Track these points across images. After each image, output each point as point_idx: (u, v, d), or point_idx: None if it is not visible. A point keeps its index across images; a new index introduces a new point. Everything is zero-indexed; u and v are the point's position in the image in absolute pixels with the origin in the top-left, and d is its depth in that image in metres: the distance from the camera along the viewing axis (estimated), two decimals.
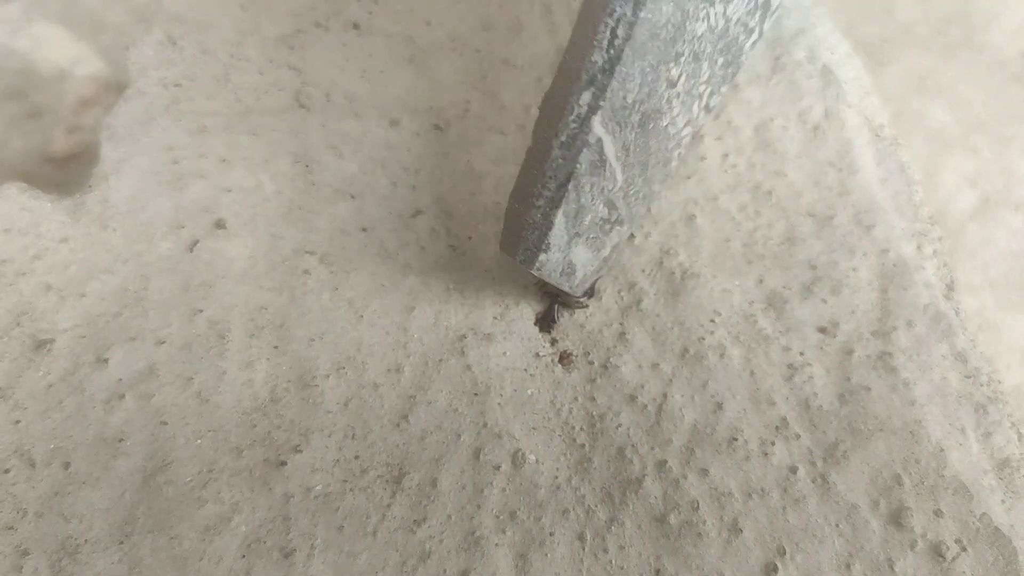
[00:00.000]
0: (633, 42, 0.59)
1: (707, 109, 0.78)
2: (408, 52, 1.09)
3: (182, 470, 0.71)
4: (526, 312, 0.84)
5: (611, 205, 0.74)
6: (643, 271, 0.86)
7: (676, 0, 0.61)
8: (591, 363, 0.80)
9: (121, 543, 0.67)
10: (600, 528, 0.69)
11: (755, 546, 0.68)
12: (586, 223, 0.73)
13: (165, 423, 0.73)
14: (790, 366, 0.78)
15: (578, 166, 0.66)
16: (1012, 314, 1.02)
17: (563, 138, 0.65)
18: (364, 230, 0.89)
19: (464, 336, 0.81)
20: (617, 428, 0.75)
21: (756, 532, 0.68)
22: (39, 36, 1.16)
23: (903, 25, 1.35)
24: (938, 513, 0.68)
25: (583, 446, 0.74)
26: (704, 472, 0.72)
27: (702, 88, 0.74)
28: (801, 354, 0.79)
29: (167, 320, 0.80)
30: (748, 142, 0.96)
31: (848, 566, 0.66)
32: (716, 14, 0.67)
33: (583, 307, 0.83)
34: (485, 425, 0.75)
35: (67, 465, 0.70)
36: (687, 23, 0.64)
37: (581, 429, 0.75)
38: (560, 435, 0.75)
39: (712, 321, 0.82)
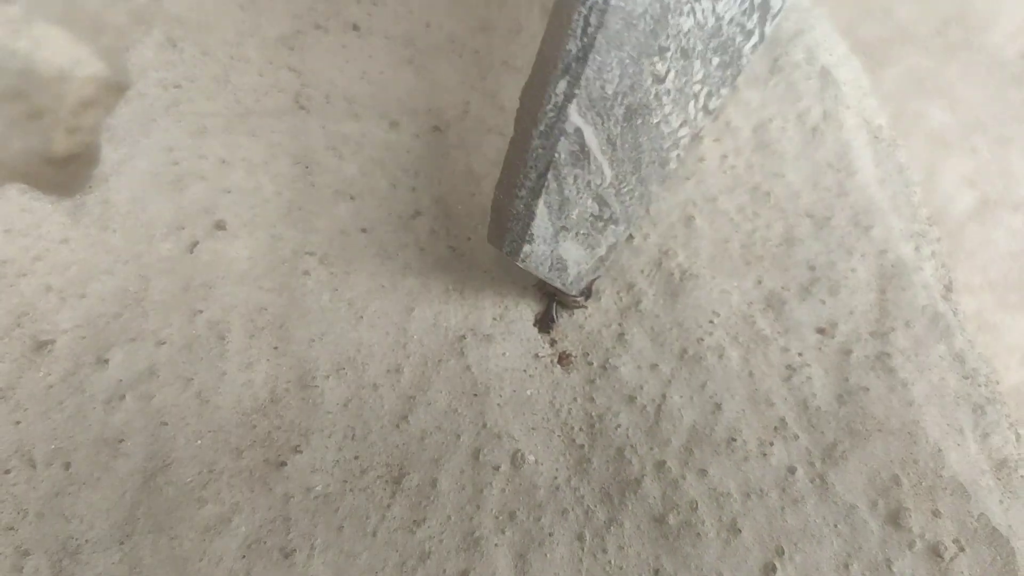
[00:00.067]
0: (606, 30, 0.60)
1: (706, 111, 0.78)
2: (407, 53, 1.09)
3: (182, 470, 0.71)
4: (525, 313, 0.84)
5: (601, 201, 0.74)
6: (642, 272, 0.86)
7: None
8: (590, 364, 0.80)
9: (122, 543, 0.67)
10: (599, 528, 0.69)
11: (754, 546, 0.68)
12: (573, 217, 0.74)
13: (165, 424, 0.73)
14: (789, 367, 0.78)
15: (557, 155, 0.67)
16: (1010, 315, 1.02)
17: (542, 127, 0.66)
18: (364, 231, 0.89)
19: (463, 337, 0.81)
20: (616, 429, 0.75)
21: (755, 532, 0.68)
22: (39, 37, 1.16)
23: (902, 26, 1.36)
24: (936, 513, 0.69)
25: (582, 447, 0.74)
26: (703, 472, 0.72)
27: (696, 88, 0.74)
28: (799, 355, 0.79)
29: (167, 321, 0.80)
30: (747, 143, 0.97)
31: (846, 566, 0.66)
32: (704, 11, 0.68)
33: (581, 307, 0.83)
34: (484, 426, 0.75)
35: (68, 466, 0.70)
36: (669, 16, 0.64)
37: (580, 430, 0.75)
38: (559, 435, 0.75)
39: (711, 322, 0.82)
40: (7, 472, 0.70)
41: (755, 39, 0.77)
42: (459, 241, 0.89)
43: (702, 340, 0.80)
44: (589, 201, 0.73)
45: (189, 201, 0.89)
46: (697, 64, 0.72)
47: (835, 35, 1.09)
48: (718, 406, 0.76)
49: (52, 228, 0.85)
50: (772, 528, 0.69)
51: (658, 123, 0.73)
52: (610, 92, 0.65)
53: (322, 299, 0.83)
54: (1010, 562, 0.66)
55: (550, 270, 0.78)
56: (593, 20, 0.59)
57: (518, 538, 0.69)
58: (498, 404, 0.77)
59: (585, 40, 0.60)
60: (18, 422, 0.72)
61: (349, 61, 1.07)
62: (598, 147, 0.69)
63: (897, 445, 0.72)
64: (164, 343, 0.78)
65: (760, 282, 0.85)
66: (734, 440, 0.74)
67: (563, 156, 0.67)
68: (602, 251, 0.81)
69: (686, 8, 0.65)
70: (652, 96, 0.69)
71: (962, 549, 0.67)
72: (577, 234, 0.76)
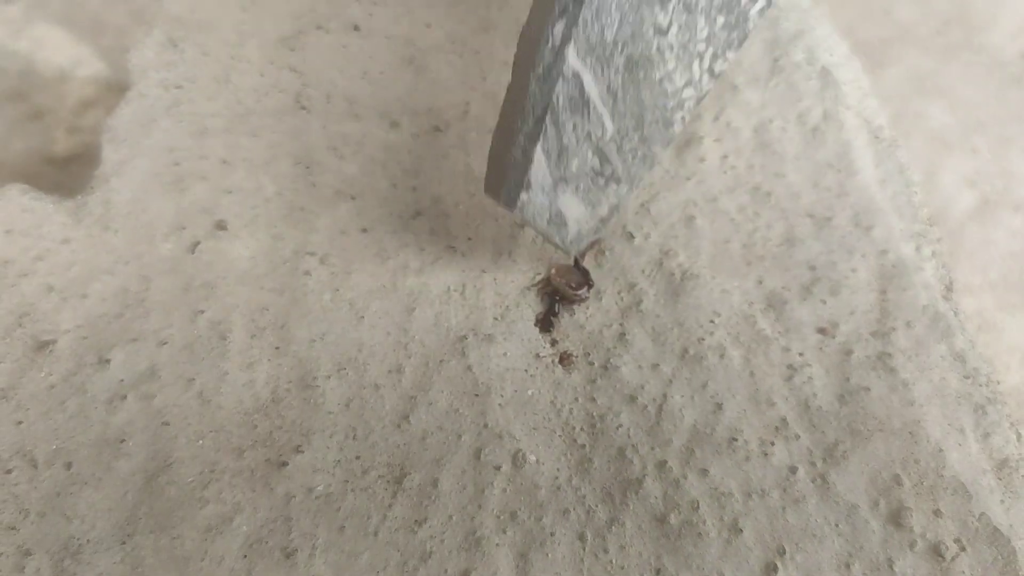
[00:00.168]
0: None
1: (711, 73, 0.77)
2: (408, 54, 1.09)
3: (184, 470, 0.71)
4: (526, 313, 0.84)
5: (602, 156, 0.73)
6: (643, 272, 0.86)
7: None
8: (591, 364, 0.80)
9: (123, 543, 0.67)
10: (601, 528, 0.69)
11: (755, 546, 0.68)
12: (573, 169, 0.73)
13: (167, 424, 0.73)
14: (790, 367, 0.78)
15: (555, 99, 0.66)
16: (1011, 315, 1.02)
17: (539, 71, 0.66)
18: (364, 231, 0.89)
19: (465, 337, 0.81)
20: (617, 428, 0.75)
21: (756, 532, 0.69)
22: (40, 38, 1.16)
23: (902, 26, 1.36)
24: (937, 513, 0.69)
25: (584, 446, 0.74)
26: (704, 472, 0.72)
27: (701, 47, 0.73)
28: (800, 355, 0.79)
29: (168, 321, 0.80)
30: (747, 143, 0.97)
31: (848, 566, 0.67)
32: None
33: (582, 300, 0.83)
34: (486, 425, 0.75)
35: (69, 465, 0.70)
36: None
37: (581, 429, 0.75)
38: (561, 435, 0.75)
39: (712, 322, 0.82)
40: (9, 472, 0.70)
41: (762, 3, 0.76)
42: (459, 241, 0.89)
43: (703, 340, 0.80)
44: (589, 154, 0.73)
45: (190, 201, 0.89)
46: (701, 21, 0.71)
47: (835, 35, 1.10)
48: (719, 406, 0.76)
49: (53, 228, 0.85)
50: (773, 528, 0.69)
51: (661, 79, 0.72)
52: (609, 38, 0.65)
53: (323, 299, 0.83)
54: (1011, 562, 0.66)
55: (548, 223, 0.76)
56: None
57: (519, 538, 0.69)
58: (499, 404, 0.77)
59: None
60: (20, 422, 0.72)
61: (350, 61, 1.07)
62: (598, 96, 0.68)
63: (898, 445, 0.73)
64: (165, 343, 0.78)
65: (761, 282, 0.85)
66: (735, 440, 0.74)
67: (562, 101, 0.67)
68: (604, 211, 0.79)
69: None
70: (654, 49, 0.69)
71: (963, 549, 0.67)
72: (577, 188, 0.75)
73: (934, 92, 1.26)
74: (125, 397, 0.75)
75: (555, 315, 0.83)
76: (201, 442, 0.73)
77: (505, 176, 0.73)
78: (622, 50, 0.66)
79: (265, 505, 0.70)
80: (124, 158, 0.92)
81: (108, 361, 0.76)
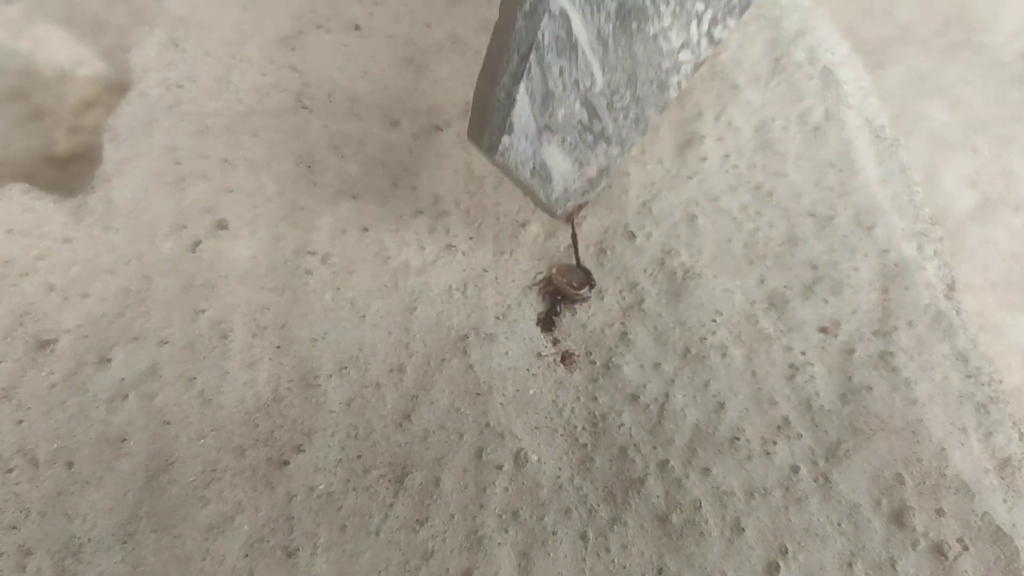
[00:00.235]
0: None
1: (710, 39, 0.75)
2: (409, 53, 1.09)
3: (185, 470, 0.71)
4: (528, 312, 0.84)
5: (591, 110, 0.71)
6: (645, 271, 0.86)
7: None
8: (593, 363, 0.80)
9: (124, 542, 0.67)
10: (602, 527, 0.69)
11: (757, 545, 0.68)
12: (559, 119, 0.71)
13: (168, 423, 0.73)
14: (792, 366, 0.78)
15: (540, 36, 0.65)
16: (1012, 314, 1.02)
17: (527, 7, 0.64)
18: (365, 230, 0.89)
19: (466, 336, 0.81)
20: (619, 428, 0.75)
21: (758, 531, 0.68)
22: (41, 37, 1.16)
23: (903, 26, 1.36)
24: (940, 512, 0.69)
25: (585, 446, 0.74)
26: (706, 471, 0.72)
27: (699, 7, 0.71)
28: (803, 354, 0.79)
29: (169, 320, 0.80)
30: (749, 143, 0.97)
31: (850, 565, 0.66)
32: None
33: (584, 300, 0.83)
34: (487, 425, 0.75)
35: (70, 465, 0.70)
36: None
37: (583, 429, 0.75)
38: (562, 435, 0.75)
39: (714, 321, 0.82)
40: (10, 471, 0.70)
41: None
42: (461, 240, 0.89)
43: (705, 339, 0.80)
44: (577, 104, 0.71)
45: (191, 201, 0.89)
46: None
47: (837, 35, 1.10)
48: (721, 405, 0.76)
49: (54, 228, 0.85)
50: (776, 527, 0.69)
51: (655, 35, 0.70)
52: None
53: (325, 298, 0.83)
54: (1014, 561, 0.66)
55: (532, 175, 0.74)
56: None
57: (521, 537, 0.69)
58: (501, 403, 0.77)
59: None
60: (20, 421, 0.72)
61: (351, 61, 1.07)
62: (587, 41, 0.67)
63: (900, 444, 0.72)
64: (166, 342, 0.78)
65: (763, 281, 0.85)
66: (737, 439, 0.74)
67: (547, 39, 0.65)
68: (592, 172, 0.77)
69: None
70: (648, 1, 0.68)
71: (966, 548, 0.67)
72: (564, 141, 0.72)
73: (935, 92, 1.26)
74: (126, 396, 0.74)
75: (557, 314, 0.83)
76: (202, 441, 0.73)
77: (488, 119, 0.70)
78: None
79: (266, 504, 0.69)
80: (125, 157, 0.92)
81: (109, 360, 0.76)
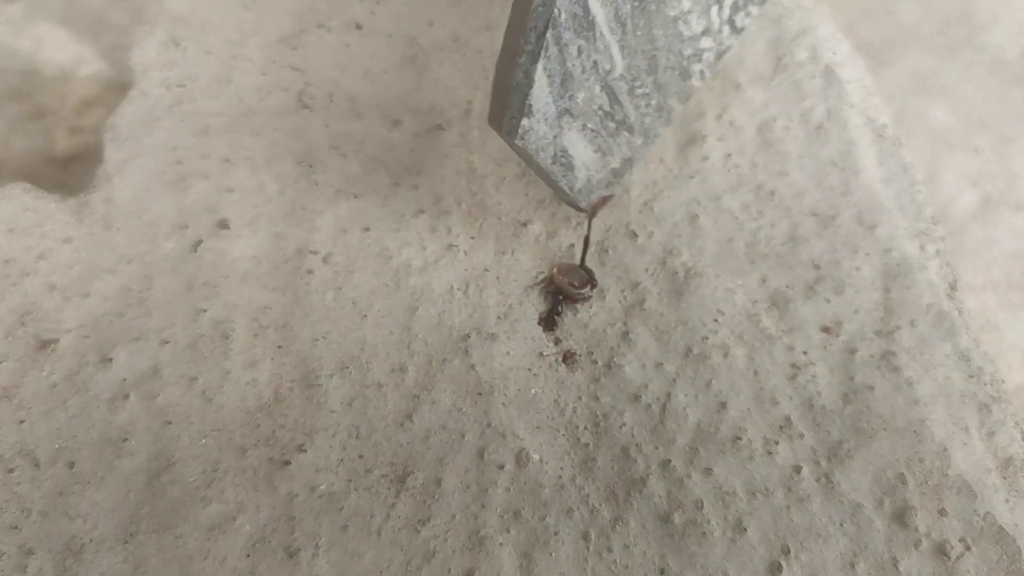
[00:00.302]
0: None
1: (732, 26, 0.74)
2: (410, 52, 1.09)
3: (186, 470, 0.71)
4: (529, 312, 0.84)
5: (611, 95, 0.69)
6: (646, 271, 0.86)
7: None
8: (595, 362, 0.80)
9: (125, 542, 0.67)
10: (604, 527, 0.69)
11: (759, 545, 0.68)
12: (579, 102, 0.70)
13: (169, 423, 0.73)
14: (793, 365, 0.78)
15: (556, 12, 0.64)
16: (1014, 313, 1.02)
17: None
18: (367, 230, 0.89)
19: (468, 336, 0.81)
20: (621, 427, 0.75)
21: (760, 531, 0.68)
22: (41, 37, 1.16)
23: (905, 26, 1.36)
24: (942, 512, 0.69)
25: (587, 445, 0.74)
26: (708, 471, 0.72)
27: None
28: (804, 353, 0.79)
29: (171, 320, 0.80)
30: (751, 142, 0.96)
31: (852, 565, 0.66)
32: None
33: (586, 299, 0.83)
34: (489, 425, 0.75)
35: (71, 465, 0.70)
36: None
37: (585, 428, 0.75)
38: (564, 434, 0.75)
39: (715, 320, 0.82)
40: (11, 471, 0.70)
41: None
42: (462, 239, 0.89)
43: (707, 339, 0.80)
44: (597, 88, 0.70)
45: (192, 200, 0.89)
46: None
47: (838, 34, 1.09)
48: (723, 405, 0.76)
49: (55, 227, 0.85)
50: (778, 527, 0.69)
51: (675, 18, 0.69)
52: None
53: (326, 298, 0.83)
54: (1016, 561, 0.66)
55: (553, 162, 0.72)
56: None
57: (523, 537, 0.68)
58: (503, 403, 0.76)
59: None
60: (22, 421, 0.72)
61: (352, 60, 1.07)
62: (604, 21, 0.66)
63: (903, 444, 0.72)
64: (168, 342, 0.78)
65: (765, 281, 0.85)
66: (739, 439, 0.73)
67: (564, 16, 0.64)
68: (615, 162, 0.75)
69: None
70: None
71: (968, 548, 0.67)
72: (585, 127, 0.71)
73: (936, 91, 1.26)
74: (127, 396, 0.74)
75: (558, 314, 0.83)
76: (204, 441, 0.72)
77: (507, 101, 0.69)
78: None
79: (268, 504, 0.69)
80: (126, 157, 0.92)
81: (110, 360, 0.76)
